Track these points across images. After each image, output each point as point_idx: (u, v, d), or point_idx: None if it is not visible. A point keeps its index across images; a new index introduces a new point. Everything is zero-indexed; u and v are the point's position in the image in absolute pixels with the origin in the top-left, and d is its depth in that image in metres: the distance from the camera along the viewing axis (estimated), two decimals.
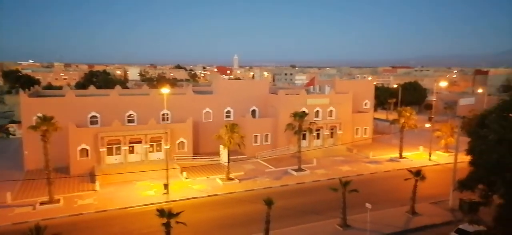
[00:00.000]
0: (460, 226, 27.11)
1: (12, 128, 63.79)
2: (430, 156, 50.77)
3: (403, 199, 34.15)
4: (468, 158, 24.11)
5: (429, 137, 52.13)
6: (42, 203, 32.87)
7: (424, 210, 32.73)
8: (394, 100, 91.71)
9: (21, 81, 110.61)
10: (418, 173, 31.76)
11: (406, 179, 32.67)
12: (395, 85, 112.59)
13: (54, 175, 34.79)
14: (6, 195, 33.92)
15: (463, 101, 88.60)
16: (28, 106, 43.47)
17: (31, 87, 56.17)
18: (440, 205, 34.33)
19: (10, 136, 62.78)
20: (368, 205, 28.14)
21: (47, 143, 33.18)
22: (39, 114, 35.16)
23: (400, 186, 36.57)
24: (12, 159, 47.62)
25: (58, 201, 33.44)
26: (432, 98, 78.14)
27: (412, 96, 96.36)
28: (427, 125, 61.31)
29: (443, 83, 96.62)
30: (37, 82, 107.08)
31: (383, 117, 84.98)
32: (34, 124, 35.14)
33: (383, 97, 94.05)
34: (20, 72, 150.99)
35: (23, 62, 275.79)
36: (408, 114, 50.48)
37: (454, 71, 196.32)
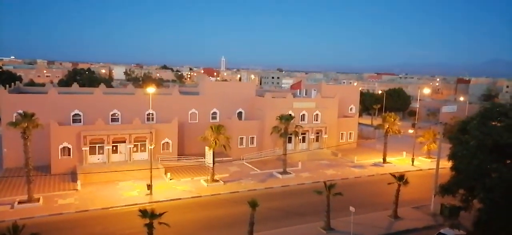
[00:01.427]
0: (441, 231, 27.57)
1: None
2: (413, 161, 51.60)
3: (386, 203, 34.57)
4: (449, 164, 24.50)
5: (412, 143, 53.03)
6: (20, 202, 32.00)
7: (406, 214, 33.18)
8: (379, 106, 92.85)
9: (2, 78, 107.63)
10: (401, 178, 32.18)
11: (389, 183, 33.08)
12: (380, 92, 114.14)
13: (34, 174, 33.94)
14: None
15: (446, 109, 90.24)
16: (8, 103, 42.36)
17: (12, 83, 54.72)
18: (422, 209, 34.86)
19: None
20: (351, 208, 28.39)
21: (27, 140, 32.34)
22: (20, 111, 34.26)
23: (384, 190, 37.01)
24: None
25: (37, 200, 32.61)
26: (416, 105, 79.44)
27: (396, 102, 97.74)
28: (411, 131, 62.41)
29: (427, 91, 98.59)
30: (19, 78, 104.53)
31: (368, 122, 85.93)
32: (14, 121, 34.23)
33: (368, 103, 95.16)
34: (1, 68, 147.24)
35: (4, 58, 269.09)
36: (392, 120, 51.21)
37: (437, 80, 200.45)
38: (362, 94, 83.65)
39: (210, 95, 53.51)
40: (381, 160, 51.55)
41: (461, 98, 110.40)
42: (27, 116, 32.52)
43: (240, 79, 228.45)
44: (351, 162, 51.64)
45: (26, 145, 32.31)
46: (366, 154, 56.07)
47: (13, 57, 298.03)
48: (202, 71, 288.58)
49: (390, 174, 34.24)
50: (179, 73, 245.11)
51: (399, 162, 52.59)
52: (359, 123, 66.56)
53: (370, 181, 44.34)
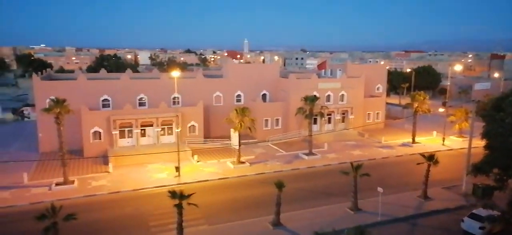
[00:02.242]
0: (474, 211, 26.80)
1: (27, 110, 64.90)
2: (443, 141, 50.09)
3: (415, 183, 33.90)
4: (482, 143, 23.74)
5: (443, 122, 51.39)
6: (57, 184, 33.55)
7: (436, 194, 32.43)
8: (407, 85, 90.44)
9: (34, 65, 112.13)
10: (431, 158, 31.36)
11: (418, 164, 32.34)
12: (408, 70, 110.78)
13: (68, 157, 35.34)
14: (23, 175, 34.70)
15: (478, 86, 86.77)
16: (41, 89, 44.01)
17: (44, 71, 56.78)
18: (453, 189, 33.96)
19: (25, 119, 63.94)
20: (379, 189, 28.04)
21: (60, 125, 33.60)
22: (52, 97, 35.55)
23: (413, 170, 36.30)
24: (27, 141, 48.58)
25: (72, 182, 34.08)
26: (446, 83, 76.68)
27: (426, 81, 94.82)
28: (441, 110, 60.45)
29: (458, 68, 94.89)
30: (50, 66, 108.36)
31: (396, 102, 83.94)
32: (47, 107, 35.58)
33: (396, 82, 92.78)
34: (33, 56, 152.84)
35: (35, 47, 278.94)
36: (421, 98, 49.71)
37: (470, 56, 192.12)
38: (389, 73, 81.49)
39: (234, 78, 53.59)
40: (410, 140, 50.35)
41: (496, 75, 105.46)
42: (59, 102, 33.74)
43: (263, 61, 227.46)
44: (378, 142, 50.76)
45: (60, 130, 33.59)
46: (394, 134, 54.92)
47: (44, 45, 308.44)
48: (226, 54, 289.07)
49: (420, 154, 33.41)
50: (203, 56, 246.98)
51: (429, 142, 51.18)
52: (386, 103, 65.15)
53: (399, 161, 43.51)
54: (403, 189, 33.89)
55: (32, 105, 60.07)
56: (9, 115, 64.44)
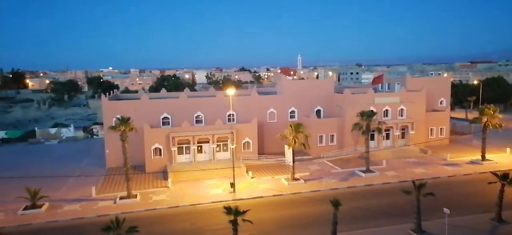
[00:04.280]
0: None
1: (96, 128, 70.24)
2: None
3: (487, 204, 31.02)
4: None
5: None
6: (121, 198, 35.56)
7: None
8: (474, 98, 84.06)
9: (103, 87, 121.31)
10: (505, 176, 28.57)
11: (490, 183, 29.60)
12: (475, 82, 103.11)
13: (132, 172, 37.41)
14: (91, 189, 37.32)
15: None
16: (109, 109, 47.40)
17: (111, 92, 61.22)
18: None
19: (94, 136, 69.14)
20: (446, 210, 26.06)
21: (125, 142, 35.81)
22: (118, 116, 38.07)
23: (483, 190, 33.35)
24: (96, 157, 52.34)
25: (135, 196, 35.92)
26: None
27: (496, 93, 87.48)
28: None
29: None
30: (116, 87, 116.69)
31: (462, 116, 78.28)
32: (113, 125, 38.16)
33: (461, 95, 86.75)
34: (101, 78, 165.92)
35: (104, 69, 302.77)
36: (491, 112, 45.77)
37: None
38: (453, 85, 76.49)
39: (287, 94, 53.61)
40: (480, 157, 46.36)
41: None
42: (124, 121, 36.06)
43: (317, 76, 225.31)
44: (443, 159, 47.43)
45: (124, 146, 35.80)
46: (461, 151, 51.01)
47: (111, 68, 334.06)
48: (279, 71, 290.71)
49: (491, 172, 30.67)
50: (257, 74, 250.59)
51: (501, 159, 46.73)
52: (451, 117, 61.03)
53: (467, 180, 40.21)
54: (473, 210, 31.13)
55: (101, 124, 64.88)
56: (80, 133, 70.06)
